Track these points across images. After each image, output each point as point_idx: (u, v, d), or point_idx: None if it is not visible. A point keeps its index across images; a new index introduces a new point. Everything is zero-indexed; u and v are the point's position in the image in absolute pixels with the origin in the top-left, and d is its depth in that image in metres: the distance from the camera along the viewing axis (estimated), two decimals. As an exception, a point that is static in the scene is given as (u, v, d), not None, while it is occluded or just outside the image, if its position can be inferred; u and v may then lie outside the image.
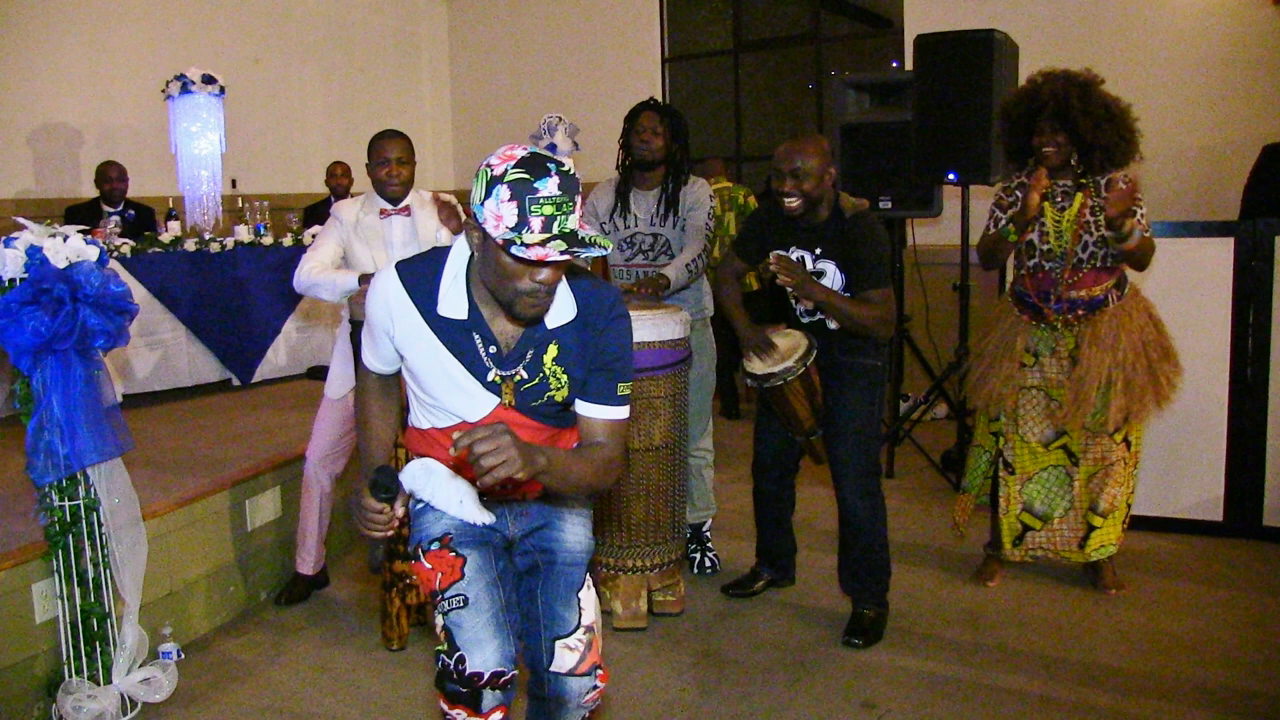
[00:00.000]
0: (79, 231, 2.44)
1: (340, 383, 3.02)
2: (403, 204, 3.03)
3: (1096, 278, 2.91)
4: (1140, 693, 2.57)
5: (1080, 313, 2.93)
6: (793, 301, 2.93)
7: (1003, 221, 2.97)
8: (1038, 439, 3.05)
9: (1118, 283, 2.95)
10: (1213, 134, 5.32)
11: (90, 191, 5.30)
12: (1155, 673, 2.67)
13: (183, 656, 2.80)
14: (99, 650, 2.48)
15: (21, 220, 2.44)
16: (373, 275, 2.76)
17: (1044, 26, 5.55)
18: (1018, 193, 2.98)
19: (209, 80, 5.41)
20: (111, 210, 5.03)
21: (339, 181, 5.93)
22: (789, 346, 2.88)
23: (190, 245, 4.85)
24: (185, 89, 5.38)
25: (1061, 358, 2.98)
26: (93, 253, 2.40)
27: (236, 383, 5.03)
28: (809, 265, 2.83)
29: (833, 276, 2.81)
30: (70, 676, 2.46)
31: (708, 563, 3.43)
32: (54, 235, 2.38)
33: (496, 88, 7.82)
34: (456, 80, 8.10)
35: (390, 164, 2.97)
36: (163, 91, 5.49)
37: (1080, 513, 3.06)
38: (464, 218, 2.99)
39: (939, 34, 4.20)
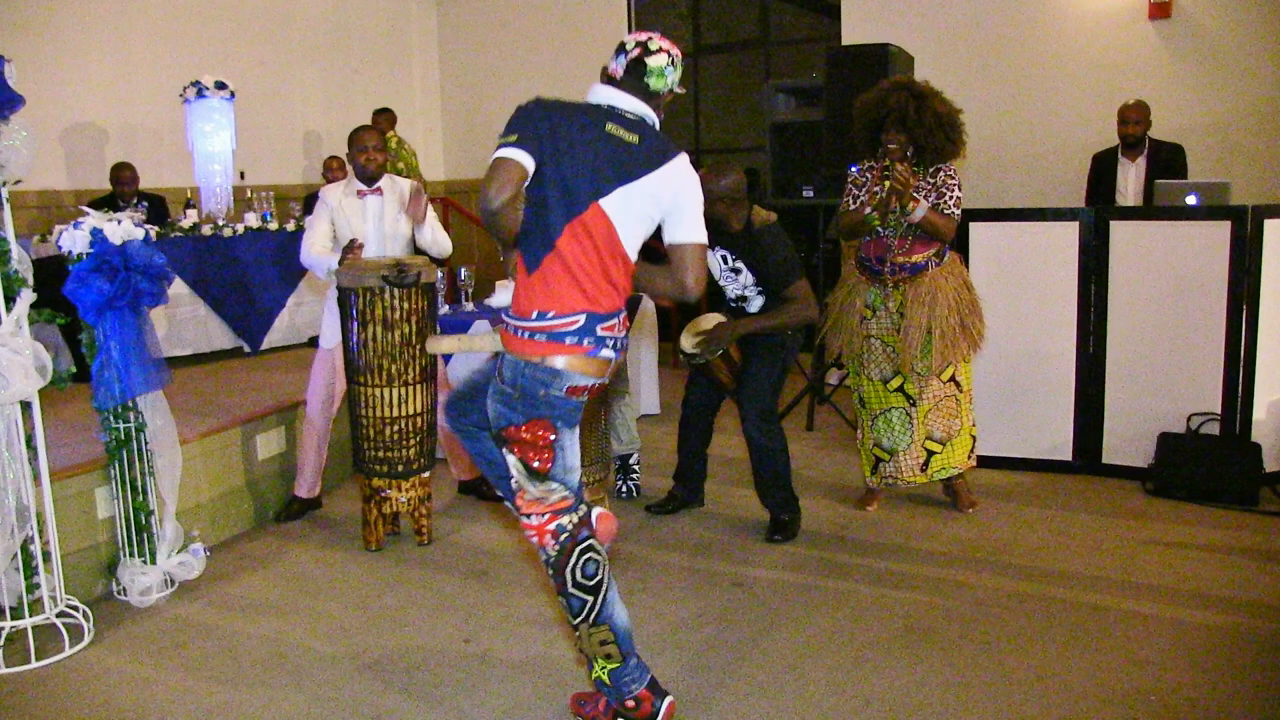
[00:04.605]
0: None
1: (330, 334, 3.80)
2: (376, 185, 3.80)
3: (919, 247, 3.65)
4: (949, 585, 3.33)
5: (906, 275, 3.67)
6: (724, 287, 3.71)
7: (860, 199, 3.69)
8: (880, 377, 3.80)
9: (937, 252, 3.67)
10: (1103, 133, 6.01)
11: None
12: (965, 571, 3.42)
13: (209, 552, 3.54)
14: (146, 539, 3.24)
15: (85, 209, 3.18)
16: (351, 243, 3.59)
17: (946, 40, 6.27)
18: (868, 174, 3.70)
19: (221, 85, 6.14)
20: (123, 203, 5.73)
21: (335, 174, 6.62)
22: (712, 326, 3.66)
23: (206, 230, 5.61)
24: (200, 94, 6.11)
25: (891, 312, 3.72)
26: (140, 233, 3.14)
27: (247, 350, 5.79)
28: (729, 263, 3.62)
29: (746, 274, 3.62)
30: (126, 558, 3.22)
31: (625, 489, 4.18)
32: (110, 220, 3.12)
33: (482, 87, 8.55)
34: (446, 81, 8.84)
35: (368, 150, 3.76)
36: (180, 95, 6.22)
37: (920, 444, 3.80)
38: (428, 210, 3.79)
39: (844, 47, 4.93)
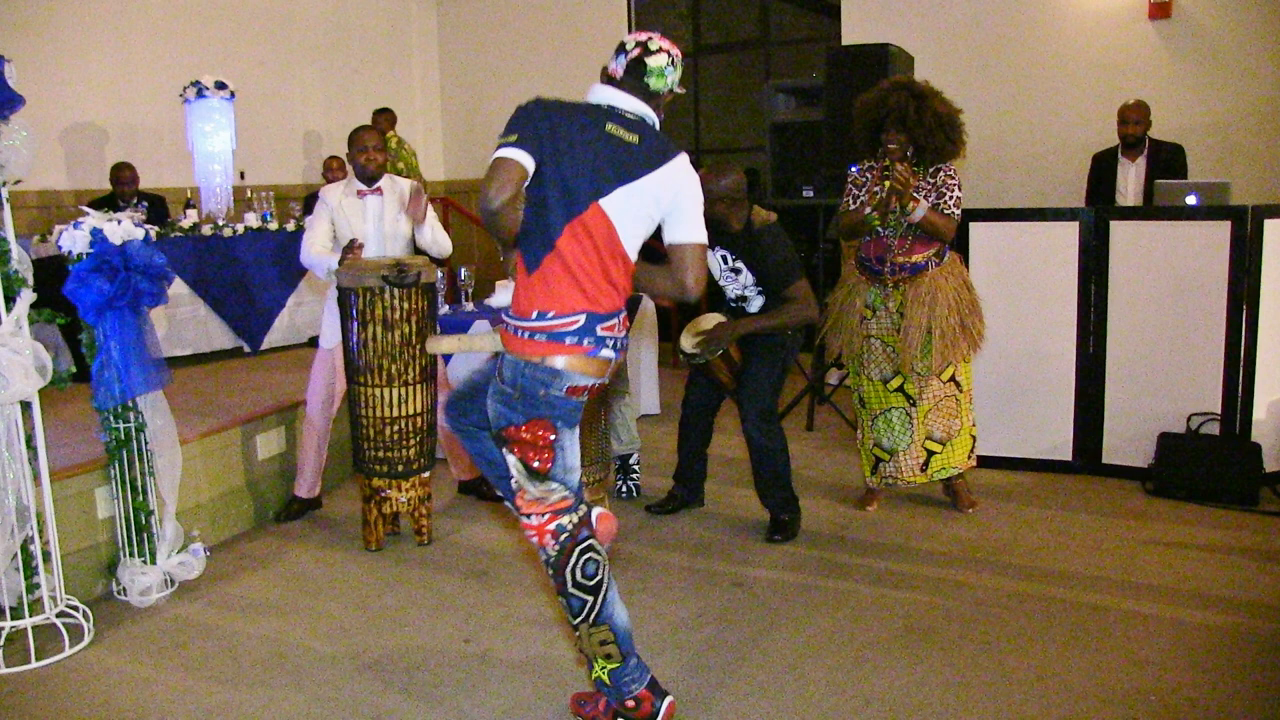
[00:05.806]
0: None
1: (330, 334, 3.79)
2: (376, 185, 3.80)
3: (919, 247, 3.65)
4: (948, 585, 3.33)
5: (906, 275, 3.67)
6: (724, 287, 3.71)
7: (860, 199, 3.70)
8: (880, 377, 3.80)
9: (937, 252, 3.67)
10: (1103, 133, 6.02)
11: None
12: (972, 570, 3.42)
13: (209, 552, 3.54)
14: (146, 539, 3.23)
15: (85, 208, 3.18)
16: (351, 243, 3.59)
17: (946, 40, 6.27)
18: (868, 174, 3.70)
19: (221, 85, 6.14)
20: (123, 203, 5.74)
21: (335, 175, 6.63)
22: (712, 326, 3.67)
23: (206, 230, 5.61)
24: (200, 94, 6.11)
25: (891, 312, 3.72)
26: (140, 233, 3.14)
27: (247, 350, 5.79)
28: (729, 263, 3.61)
29: (746, 274, 3.62)
30: (126, 558, 3.22)
31: (625, 489, 4.18)
32: (110, 220, 3.12)
33: (482, 87, 8.55)
34: (446, 81, 8.84)
35: (368, 150, 3.76)
36: (180, 95, 6.22)
37: (920, 444, 3.80)
38: (428, 210, 3.80)
39: (844, 47, 4.92)
